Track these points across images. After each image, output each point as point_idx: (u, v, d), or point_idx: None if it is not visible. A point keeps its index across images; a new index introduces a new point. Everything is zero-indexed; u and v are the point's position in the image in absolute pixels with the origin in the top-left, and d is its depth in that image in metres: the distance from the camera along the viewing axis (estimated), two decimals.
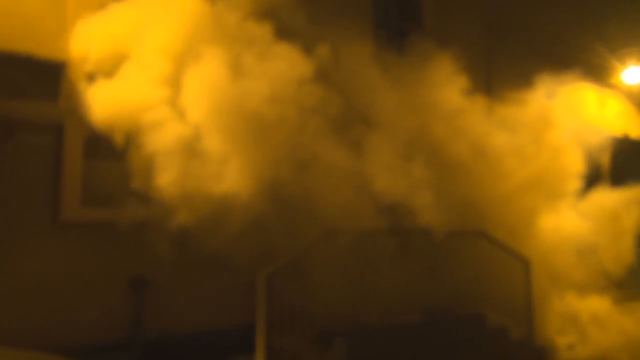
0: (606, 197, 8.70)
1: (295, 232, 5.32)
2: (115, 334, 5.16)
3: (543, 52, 8.77)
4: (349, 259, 5.48)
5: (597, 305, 8.10)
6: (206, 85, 4.92)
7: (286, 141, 5.18)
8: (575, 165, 8.23)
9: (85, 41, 4.97)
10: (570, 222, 8.17)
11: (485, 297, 6.57)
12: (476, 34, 8.73)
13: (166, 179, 4.92)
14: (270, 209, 5.09)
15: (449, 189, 6.53)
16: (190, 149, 5.01)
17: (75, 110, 4.98)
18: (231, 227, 4.98)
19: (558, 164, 8.00)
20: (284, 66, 5.13)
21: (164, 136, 4.91)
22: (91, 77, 5.01)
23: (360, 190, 5.75)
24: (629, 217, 8.55)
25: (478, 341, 6.26)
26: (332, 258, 5.31)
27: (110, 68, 4.95)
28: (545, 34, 9.27)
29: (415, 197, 6.20)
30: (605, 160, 9.83)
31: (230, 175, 4.96)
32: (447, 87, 6.99)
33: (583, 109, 9.29)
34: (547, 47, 8.91)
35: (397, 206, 6.07)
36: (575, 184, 8.22)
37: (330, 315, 5.27)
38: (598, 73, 9.54)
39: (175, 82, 5.02)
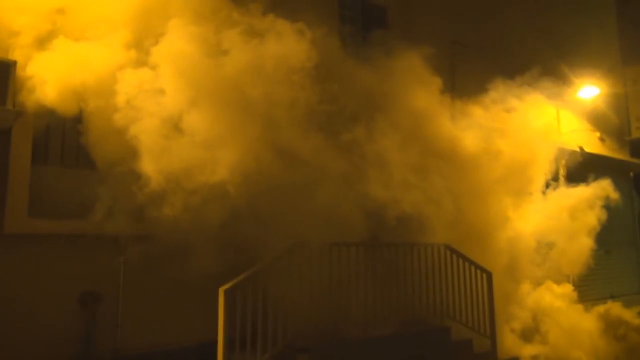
0: (565, 196, 8.94)
1: (267, 243, 5.17)
2: (64, 353, 4.79)
3: (504, 65, 8.93)
4: (316, 272, 5.33)
5: (558, 310, 8.38)
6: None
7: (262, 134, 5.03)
8: (535, 171, 8.49)
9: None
10: (532, 222, 8.31)
11: (451, 309, 6.56)
12: (440, 38, 8.79)
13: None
14: (242, 217, 4.95)
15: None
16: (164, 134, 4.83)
17: (23, 113, 4.65)
18: (197, 236, 4.81)
19: (520, 169, 8.23)
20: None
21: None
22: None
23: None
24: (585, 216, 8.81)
25: (443, 355, 6.22)
26: (299, 271, 5.15)
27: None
28: (507, 48, 9.53)
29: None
30: (560, 170, 10.10)
31: (202, 175, 4.77)
32: (418, 86, 7.01)
33: (541, 122, 9.55)
34: (509, 60, 9.10)
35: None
36: (535, 187, 8.52)
37: (297, 330, 5.10)
38: (556, 90, 9.82)
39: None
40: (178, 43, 4.93)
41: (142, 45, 4.99)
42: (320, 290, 5.31)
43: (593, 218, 9.03)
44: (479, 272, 6.93)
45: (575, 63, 10.75)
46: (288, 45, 5.26)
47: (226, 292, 4.55)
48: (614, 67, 12.33)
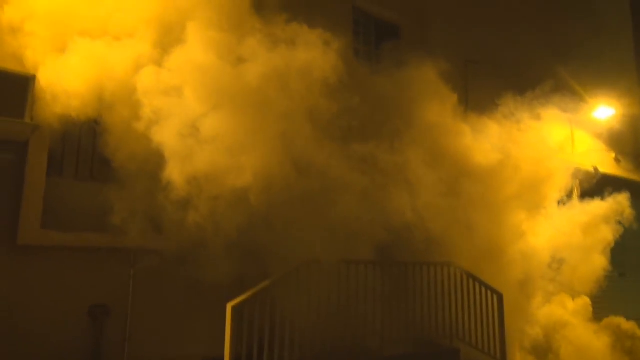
0: (580, 213, 8.86)
1: (280, 256, 5.17)
2: None
3: (518, 83, 8.91)
4: (325, 290, 5.31)
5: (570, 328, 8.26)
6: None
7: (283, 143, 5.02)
8: (550, 188, 8.43)
9: None
10: (546, 237, 8.22)
11: (461, 330, 6.47)
12: (453, 55, 8.80)
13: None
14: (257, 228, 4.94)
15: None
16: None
17: (40, 126, 4.73)
18: (211, 248, 4.81)
19: (535, 186, 8.19)
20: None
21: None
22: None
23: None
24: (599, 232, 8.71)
25: None
26: (309, 289, 5.13)
27: None
28: (521, 66, 9.52)
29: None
30: (575, 190, 10.00)
31: (224, 181, 4.75)
32: (434, 101, 7.03)
33: (556, 140, 9.51)
34: (522, 78, 9.08)
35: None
36: (549, 203, 8.47)
37: (306, 348, 5.06)
38: (571, 108, 9.76)
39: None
40: (198, 52, 4.93)
41: (163, 50, 5.00)
42: (330, 309, 5.28)
43: (607, 234, 8.96)
44: (489, 292, 6.85)
45: (590, 82, 10.69)
46: (315, 55, 5.27)
47: (234, 308, 4.54)
48: (630, 88, 12.22)
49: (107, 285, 5.02)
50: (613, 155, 11.55)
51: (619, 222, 9.20)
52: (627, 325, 9.38)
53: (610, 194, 9.54)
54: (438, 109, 7.16)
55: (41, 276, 4.77)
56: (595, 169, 10.58)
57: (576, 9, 11.78)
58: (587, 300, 9.19)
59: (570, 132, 10.76)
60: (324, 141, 5.47)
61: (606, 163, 11.53)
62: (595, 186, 9.74)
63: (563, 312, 8.58)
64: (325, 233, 5.38)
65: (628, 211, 9.28)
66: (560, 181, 8.56)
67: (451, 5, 9.21)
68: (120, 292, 5.06)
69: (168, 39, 5.06)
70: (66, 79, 4.69)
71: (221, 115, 4.86)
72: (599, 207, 9.14)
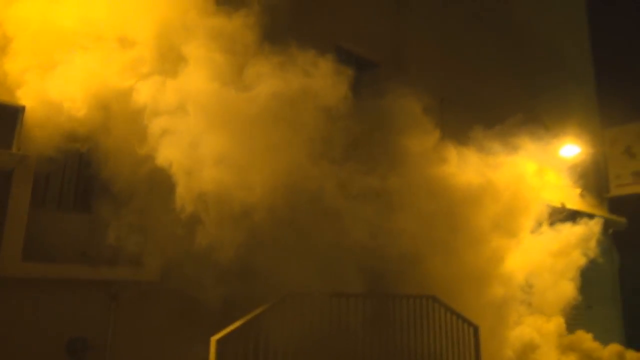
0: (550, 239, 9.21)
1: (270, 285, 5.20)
2: None
3: (489, 120, 9.32)
4: (307, 323, 5.35)
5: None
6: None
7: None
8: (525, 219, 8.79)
9: None
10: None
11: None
12: (430, 92, 9.17)
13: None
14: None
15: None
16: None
17: (27, 157, 4.72)
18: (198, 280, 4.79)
19: (511, 215, 8.51)
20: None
21: None
22: None
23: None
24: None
25: None
26: (292, 321, 5.17)
27: None
28: (492, 106, 10.00)
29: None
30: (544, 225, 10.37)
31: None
32: (414, 133, 7.28)
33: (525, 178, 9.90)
34: (496, 118, 9.51)
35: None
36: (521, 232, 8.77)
37: None
38: (539, 147, 10.22)
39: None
40: (199, 78, 4.94)
41: (164, 72, 4.98)
42: (313, 342, 5.31)
43: (576, 258, 9.35)
44: (466, 325, 7.00)
45: (557, 123, 11.28)
46: (326, 82, 5.43)
47: (218, 342, 4.54)
48: (594, 129, 12.92)
49: (87, 318, 4.95)
50: (578, 191, 12.06)
51: (586, 254, 9.62)
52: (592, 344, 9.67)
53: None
54: (419, 137, 7.45)
55: (20, 309, 4.68)
56: (563, 205, 11.03)
57: (544, 57, 12.46)
58: (561, 320, 9.48)
59: (539, 168, 11.24)
60: (320, 165, 5.59)
61: (572, 199, 12.05)
62: (563, 221, 10.15)
63: (534, 335, 8.80)
64: (317, 261, 5.49)
65: (595, 237, 9.73)
66: (534, 211, 8.98)
67: (428, 48, 9.69)
68: (101, 325, 4.99)
69: (169, 58, 5.07)
70: (57, 100, 4.66)
71: (222, 139, 4.85)
72: (570, 232, 9.55)
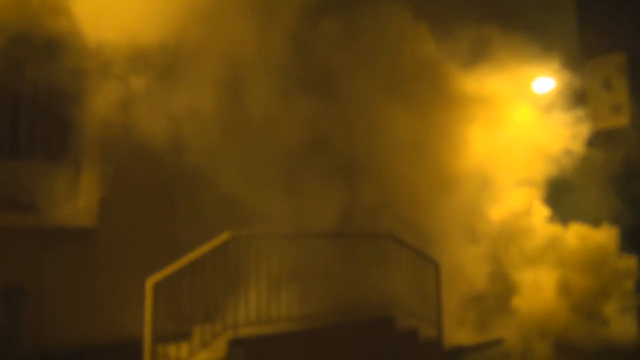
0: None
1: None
2: None
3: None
4: (254, 265, 5.26)
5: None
6: None
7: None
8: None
9: None
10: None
11: (397, 299, 6.57)
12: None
13: None
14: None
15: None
16: None
17: None
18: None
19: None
20: None
21: None
22: None
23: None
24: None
25: (387, 344, 6.24)
26: (237, 263, 5.06)
27: None
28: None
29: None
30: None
31: None
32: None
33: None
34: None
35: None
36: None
37: (235, 323, 5.01)
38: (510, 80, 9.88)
39: None
40: None
41: None
42: (259, 283, 5.24)
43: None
44: (427, 262, 6.97)
45: (533, 55, 10.82)
46: None
47: (155, 285, 4.44)
48: (574, 59, 12.45)
49: (22, 266, 4.83)
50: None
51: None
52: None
53: None
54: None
55: None
56: None
57: None
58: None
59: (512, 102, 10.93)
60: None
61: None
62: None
63: None
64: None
65: None
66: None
67: None
68: (36, 272, 4.88)
69: None
70: None
71: None
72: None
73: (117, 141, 5.26)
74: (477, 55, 9.00)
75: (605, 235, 8.97)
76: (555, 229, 8.94)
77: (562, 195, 10.26)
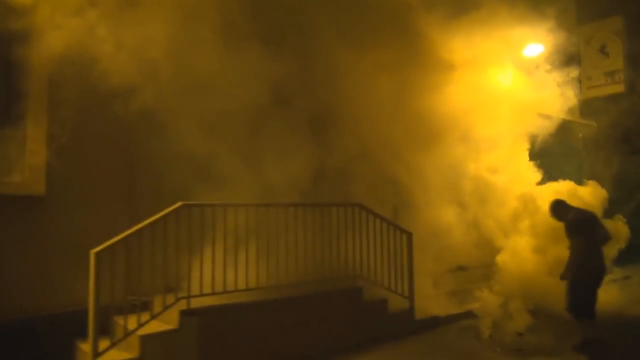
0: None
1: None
2: None
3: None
4: (210, 234, 5.13)
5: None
6: None
7: None
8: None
9: None
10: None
11: (365, 269, 6.45)
12: None
13: None
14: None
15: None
16: None
17: None
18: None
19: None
20: None
21: None
22: None
23: None
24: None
25: (354, 315, 6.15)
26: (190, 233, 4.93)
27: None
28: None
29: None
30: None
31: None
32: None
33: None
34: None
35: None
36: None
37: (188, 292, 4.92)
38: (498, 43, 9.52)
39: None
40: None
41: None
42: (215, 253, 5.11)
43: None
44: (398, 231, 6.83)
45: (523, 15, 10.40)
46: None
47: (97, 255, 4.32)
48: (569, 24, 12.01)
49: None
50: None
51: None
52: None
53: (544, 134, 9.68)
54: None
55: None
56: None
57: None
58: None
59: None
60: None
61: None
62: None
63: None
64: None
65: None
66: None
67: None
68: None
69: None
70: None
71: None
72: None
73: (65, 100, 4.99)
74: (464, 13, 8.62)
75: (589, 192, 8.71)
76: (529, 187, 8.65)
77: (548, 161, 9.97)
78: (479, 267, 8.77)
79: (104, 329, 4.58)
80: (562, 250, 6.41)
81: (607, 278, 10.59)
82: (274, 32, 6.03)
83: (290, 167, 6.10)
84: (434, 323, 7.02)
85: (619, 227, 8.40)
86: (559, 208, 6.42)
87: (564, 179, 9.14)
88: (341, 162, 6.90)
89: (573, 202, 6.74)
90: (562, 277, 5.99)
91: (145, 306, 4.81)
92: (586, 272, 5.83)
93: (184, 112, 5.33)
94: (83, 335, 4.52)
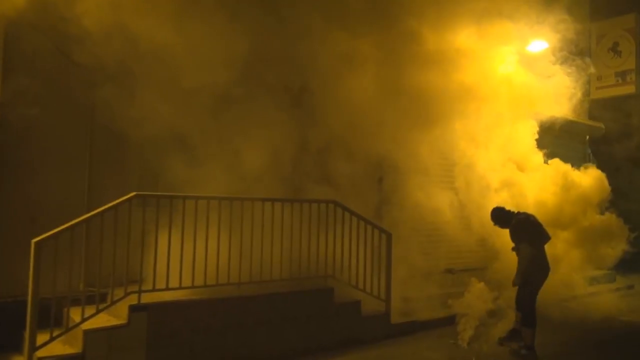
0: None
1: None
2: None
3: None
4: (165, 226, 4.90)
5: None
6: None
7: None
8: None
9: None
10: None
11: (338, 270, 6.17)
12: None
13: None
14: None
15: None
16: None
17: None
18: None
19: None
20: None
21: None
22: None
23: None
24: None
25: (323, 317, 5.90)
26: (142, 223, 4.71)
27: None
28: None
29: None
30: None
31: None
32: None
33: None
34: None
35: None
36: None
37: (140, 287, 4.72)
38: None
39: None
40: None
41: None
42: (172, 247, 4.89)
43: None
44: (377, 231, 6.54)
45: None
46: None
47: (37, 244, 4.13)
48: (581, 21, 11.47)
49: None
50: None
51: None
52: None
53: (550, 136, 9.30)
54: None
55: None
56: None
57: None
58: None
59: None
60: None
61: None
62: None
63: None
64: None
65: None
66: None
67: None
68: None
69: None
70: None
71: None
72: None
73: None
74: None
75: (589, 180, 8.33)
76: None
77: None
78: (469, 270, 8.42)
79: (58, 321, 4.43)
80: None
81: (610, 287, 10.30)
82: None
83: (267, 148, 5.88)
84: (412, 328, 6.73)
85: (612, 223, 8.07)
86: (500, 215, 6.34)
87: None
88: (323, 143, 6.63)
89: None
90: (514, 284, 5.93)
91: (104, 298, 4.64)
92: (535, 275, 5.88)
93: (150, 81, 5.09)
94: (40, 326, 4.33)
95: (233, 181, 5.70)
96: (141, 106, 4.96)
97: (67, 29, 4.66)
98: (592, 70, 11.40)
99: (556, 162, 9.11)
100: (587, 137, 11.80)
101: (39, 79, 4.91)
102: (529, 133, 8.99)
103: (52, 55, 5.03)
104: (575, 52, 10.94)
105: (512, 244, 6.18)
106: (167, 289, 4.86)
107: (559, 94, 10.46)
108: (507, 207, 6.48)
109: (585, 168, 9.34)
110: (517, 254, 6.01)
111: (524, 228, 6.03)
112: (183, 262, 4.95)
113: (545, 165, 9.04)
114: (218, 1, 5.35)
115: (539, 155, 9.06)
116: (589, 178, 8.81)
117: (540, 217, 6.39)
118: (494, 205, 6.60)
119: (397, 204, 7.33)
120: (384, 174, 7.50)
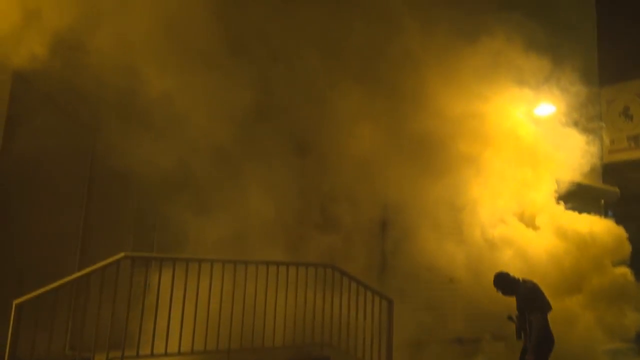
0: None
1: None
2: None
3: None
4: (154, 288, 4.77)
5: None
6: None
7: None
8: None
9: None
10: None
11: (335, 337, 5.88)
12: None
13: None
14: None
15: None
16: None
17: None
18: None
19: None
20: None
21: None
22: None
23: None
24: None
25: None
26: (128, 284, 4.59)
27: None
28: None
29: None
30: None
31: None
32: None
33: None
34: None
35: None
36: None
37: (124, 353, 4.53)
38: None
39: None
40: None
41: None
42: (161, 311, 4.73)
43: None
44: (377, 297, 6.27)
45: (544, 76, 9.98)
46: None
47: (18, 306, 4.03)
48: (590, 86, 11.47)
49: None
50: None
51: None
52: None
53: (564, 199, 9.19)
54: None
55: None
56: None
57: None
58: None
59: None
60: None
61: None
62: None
63: None
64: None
65: None
66: None
67: None
68: None
69: None
70: None
71: None
72: None
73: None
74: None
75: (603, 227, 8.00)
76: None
77: None
78: (482, 340, 8.00)
79: None
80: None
81: None
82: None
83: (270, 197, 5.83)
84: None
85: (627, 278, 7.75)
86: (505, 282, 5.83)
87: None
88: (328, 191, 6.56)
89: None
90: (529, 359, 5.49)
91: None
92: (547, 345, 5.49)
93: (151, 132, 5.13)
94: None
95: (235, 226, 5.63)
96: (140, 157, 4.99)
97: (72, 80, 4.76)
98: (604, 133, 11.35)
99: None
100: (602, 201, 11.50)
101: (40, 131, 4.99)
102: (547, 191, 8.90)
103: (54, 109, 5.12)
104: (586, 116, 10.91)
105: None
106: (152, 355, 4.66)
107: (572, 157, 10.40)
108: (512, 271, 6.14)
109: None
110: (528, 326, 5.57)
111: (537, 297, 5.65)
112: (170, 326, 4.77)
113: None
114: (222, 50, 5.46)
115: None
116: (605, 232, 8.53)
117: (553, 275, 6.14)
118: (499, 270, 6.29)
119: (402, 258, 7.17)
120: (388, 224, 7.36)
